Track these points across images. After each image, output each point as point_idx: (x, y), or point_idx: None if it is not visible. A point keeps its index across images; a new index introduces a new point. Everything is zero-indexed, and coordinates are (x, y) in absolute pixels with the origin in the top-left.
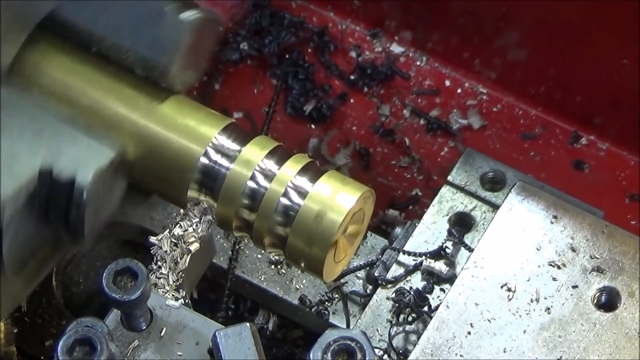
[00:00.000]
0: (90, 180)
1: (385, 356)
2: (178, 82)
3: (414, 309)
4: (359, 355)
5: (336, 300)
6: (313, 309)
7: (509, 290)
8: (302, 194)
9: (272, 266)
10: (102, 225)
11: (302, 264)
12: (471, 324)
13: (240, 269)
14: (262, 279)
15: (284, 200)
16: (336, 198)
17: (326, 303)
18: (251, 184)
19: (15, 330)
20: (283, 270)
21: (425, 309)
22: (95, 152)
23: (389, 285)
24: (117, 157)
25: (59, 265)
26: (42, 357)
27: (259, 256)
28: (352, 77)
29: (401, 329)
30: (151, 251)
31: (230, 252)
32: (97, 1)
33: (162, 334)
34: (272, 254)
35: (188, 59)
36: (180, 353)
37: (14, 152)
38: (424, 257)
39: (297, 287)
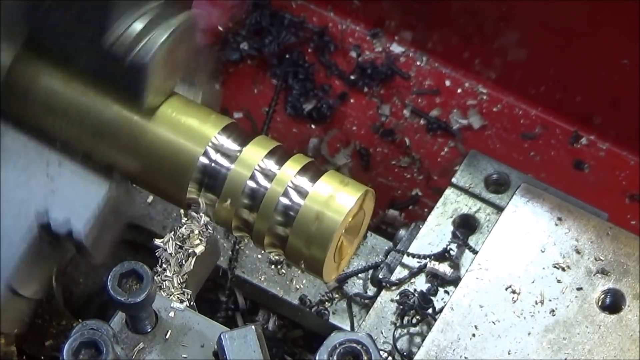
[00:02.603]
0: (85, 232)
1: (390, 358)
2: (162, 92)
3: (418, 311)
4: (365, 358)
5: (336, 300)
6: (313, 309)
7: (514, 292)
8: (302, 194)
9: (272, 266)
10: (114, 239)
11: (302, 264)
12: (475, 326)
13: (240, 269)
14: (262, 279)
15: (284, 200)
16: (336, 198)
17: (326, 303)
18: (251, 183)
19: (15, 331)
20: (283, 270)
21: (430, 311)
22: (87, 193)
23: (393, 288)
24: (111, 190)
25: (59, 265)
26: (42, 357)
27: (259, 256)
28: (352, 77)
29: (405, 331)
30: (156, 253)
31: (230, 252)
32: (61, 34)
33: (167, 337)
34: (272, 254)
35: (165, 75)
36: (185, 355)
37: (8, 201)
38: (428, 259)
39: (297, 287)
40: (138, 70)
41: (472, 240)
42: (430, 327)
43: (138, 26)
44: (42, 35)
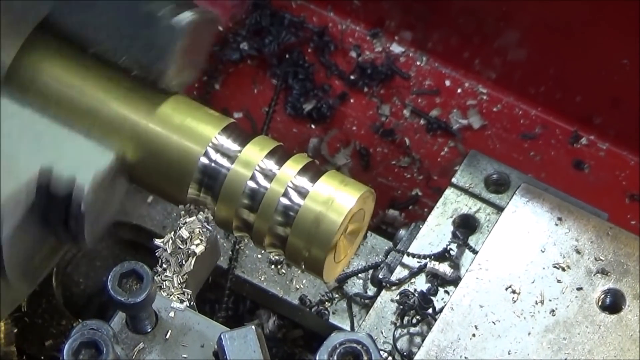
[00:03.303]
0: (88, 187)
1: (390, 358)
2: (175, 83)
3: (419, 311)
4: (365, 358)
5: (336, 300)
6: (313, 309)
7: (514, 292)
8: (302, 194)
9: (272, 266)
10: (104, 226)
11: (302, 264)
12: (476, 326)
13: (240, 269)
14: (262, 279)
15: (284, 200)
16: (336, 198)
17: (326, 303)
18: (251, 184)
19: (15, 330)
20: (283, 270)
21: (430, 311)
22: (94, 156)
23: (393, 288)
24: (116, 160)
25: (59, 265)
26: (42, 357)
27: (259, 256)
28: (352, 77)
29: (405, 331)
30: (156, 253)
31: (230, 252)
32: (91, 5)
33: (167, 337)
34: (272, 254)
35: (184, 61)
36: (185, 355)
37: (12, 155)
38: (428, 259)
39: (297, 287)
40: (171, 32)
41: (472, 240)
42: (430, 327)
43: (169, 4)
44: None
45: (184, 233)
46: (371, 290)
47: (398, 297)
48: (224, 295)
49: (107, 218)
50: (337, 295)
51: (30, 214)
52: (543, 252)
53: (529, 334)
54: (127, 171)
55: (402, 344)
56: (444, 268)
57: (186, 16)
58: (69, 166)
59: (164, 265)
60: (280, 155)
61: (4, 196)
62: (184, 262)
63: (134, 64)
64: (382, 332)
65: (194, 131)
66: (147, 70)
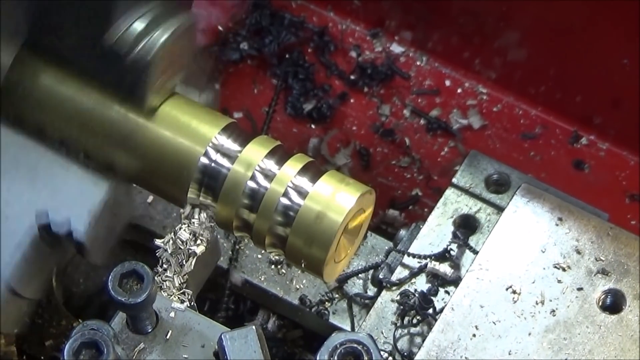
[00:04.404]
0: (85, 230)
1: (390, 358)
2: (162, 92)
3: (419, 312)
4: (366, 358)
5: (337, 300)
6: (313, 309)
7: (514, 292)
8: (303, 194)
9: (272, 266)
10: (114, 240)
11: (302, 264)
12: (476, 326)
13: (240, 269)
14: (262, 279)
15: (284, 200)
16: (336, 198)
17: (326, 303)
18: (251, 184)
19: (15, 330)
20: (283, 270)
21: (430, 311)
22: (87, 192)
23: (394, 288)
24: (109, 190)
25: (59, 265)
26: (42, 357)
27: (259, 256)
28: (352, 77)
29: (406, 331)
30: (156, 253)
31: (230, 252)
32: (61, 29)
33: (167, 337)
34: (272, 254)
35: (165, 74)
36: (186, 356)
37: (9, 197)
38: (428, 259)
39: (297, 287)
40: (139, 69)
41: (472, 241)
42: (430, 327)
43: (139, 26)
44: (42, 34)
45: (184, 233)
46: (371, 291)
47: (398, 298)
48: (224, 295)
49: (116, 235)
50: (337, 296)
51: (37, 246)
52: (543, 252)
53: (530, 334)
54: (128, 181)
55: (402, 344)
56: (445, 268)
57: (153, 44)
58: (64, 205)
59: (165, 266)
60: (281, 155)
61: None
62: (184, 262)
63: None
64: (382, 333)
65: (194, 131)
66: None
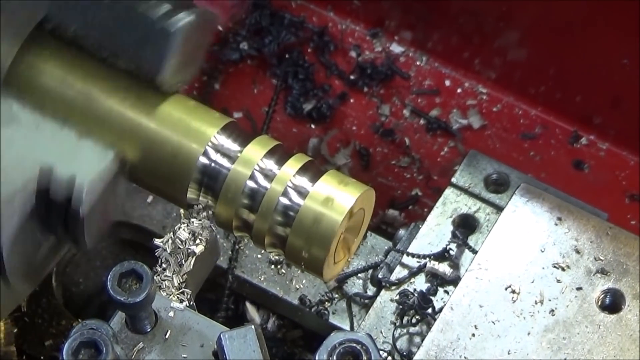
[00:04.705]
0: (86, 189)
1: (389, 358)
2: (173, 83)
3: (418, 311)
4: (365, 358)
5: (336, 300)
6: (313, 309)
7: (513, 292)
8: (302, 193)
9: (272, 266)
10: (105, 227)
11: (302, 264)
12: (475, 326)
13: (240, 269)
14: (262, 279)
15: (284, 200)
16: (336, 198)
17: (326, 303)
18: (251, 183)
19: (15, 330)
20: (283, 270)
21: (429, 310)
22: (93, 156)
23: (393, 287)
24: (115, 159)
25: (59, 265)
26: (42, 357)
27: (259, 256)
28: (352, 77)
29: (405, 330)
30: (156, 253)
31: (230, 252)
32: (86, 6)
33: (166, 336)
34: (272, 254)
35: (181, 62)
36: (185, 355)
37: (12, 157)
38: (427, 259)
39: (297, 287)
40: (163, 38)
41: (471, 240)
42: (429, 326)
43: (168, 5)
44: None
45: (184, 233)
46: (371, 290)
47: (398, 297)
48: (224, 295)
49: (108, 219)
50: (336, 295)
51: (30, 216)
52: (543, 252)
53: (529, 333)
54: (127, 171)
55: (401, 343)
56: (444, 268)
57: (181, 18)
58: (68, 167)
59: (164, 265)
60: (280, 155)
61: (4, 198)
62: (183, 262)
63: (129, 64)
64: (381, 332)
65: (194, 130)
66: (143, 71)
